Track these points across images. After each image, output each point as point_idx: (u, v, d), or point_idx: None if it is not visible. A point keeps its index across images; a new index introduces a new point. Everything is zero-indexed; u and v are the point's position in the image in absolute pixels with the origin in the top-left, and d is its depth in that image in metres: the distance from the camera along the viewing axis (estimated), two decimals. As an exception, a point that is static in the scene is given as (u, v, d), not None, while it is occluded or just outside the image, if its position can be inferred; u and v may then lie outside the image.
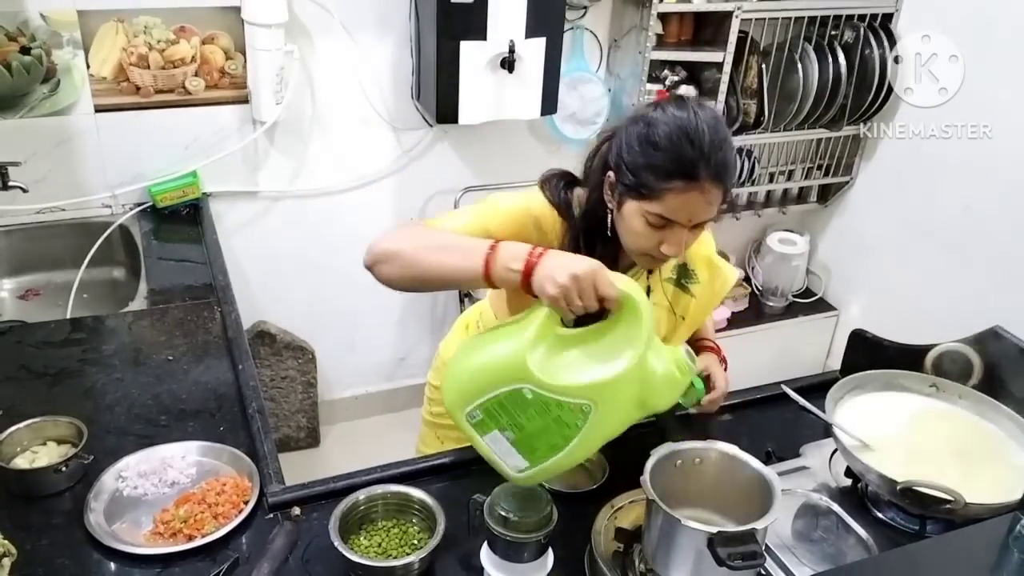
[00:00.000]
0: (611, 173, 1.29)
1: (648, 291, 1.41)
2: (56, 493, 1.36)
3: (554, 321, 1.15)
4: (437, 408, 1.71)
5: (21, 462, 1.40)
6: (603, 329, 1.15)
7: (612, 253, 1.34)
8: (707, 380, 1.45)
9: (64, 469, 1.36)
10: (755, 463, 1.21)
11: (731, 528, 1.11)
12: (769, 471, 1.19)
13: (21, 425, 1.43)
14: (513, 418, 1.14)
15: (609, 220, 1.32)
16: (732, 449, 1.24)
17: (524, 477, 1.17)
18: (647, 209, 1.24)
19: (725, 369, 1.51)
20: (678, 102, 1.25)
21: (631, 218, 1.27)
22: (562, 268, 1.10)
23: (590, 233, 1.34)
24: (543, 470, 1.16)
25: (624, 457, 1.44)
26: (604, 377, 1.11)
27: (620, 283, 1.12)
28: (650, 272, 1.44)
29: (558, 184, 1.38)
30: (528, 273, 1.13)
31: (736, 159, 1.26)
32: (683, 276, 1.48)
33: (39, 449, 1.43)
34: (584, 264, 1.11)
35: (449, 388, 1.19)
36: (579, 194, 1.38)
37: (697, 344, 1.55)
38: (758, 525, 1.09)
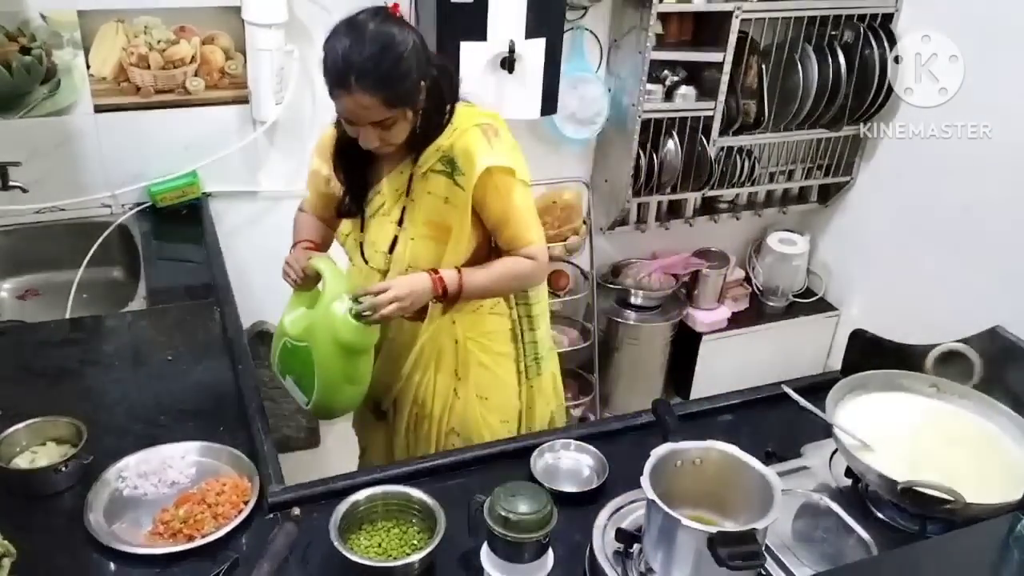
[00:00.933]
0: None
1: (410, 180, 1.60)
2: (56, 493, 1.37)
3: (304, 291, 1.68)
4: None
5: (21, 462, 1.40)
6: (316, 293, 1.63)
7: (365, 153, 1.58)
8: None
9: (64, 469, 1.36)
10: (755, 463, 1.21)
11: (731, 528, 1.11)
12: (769, 471, 1.19)
13: (21, 425, 1.43)
14: (288, 365, 1.66)
15: None
16: (732, 449, 1.24)
17: (310, 408, 1.63)
18: (336, 111, 1.51)
19: (445, 296, 1.58)
20: (347, 22, 1.48)
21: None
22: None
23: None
24: (315, 403, 1.61)
25: (624, 457, 1.44)
26: (306, 323, 1.59)
27: (315, 259, 1.62)
28: (415, 165, 1.59)
29: None
30: None
31: (401, 68, 1.44)
32: (452, 169, 1.57)
33: (39, 449, 1.43)
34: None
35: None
36: None
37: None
38: (758, 525, 1.09)
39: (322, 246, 1.78)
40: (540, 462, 1.48)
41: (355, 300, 1.53)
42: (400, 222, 1.62)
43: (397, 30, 1.46)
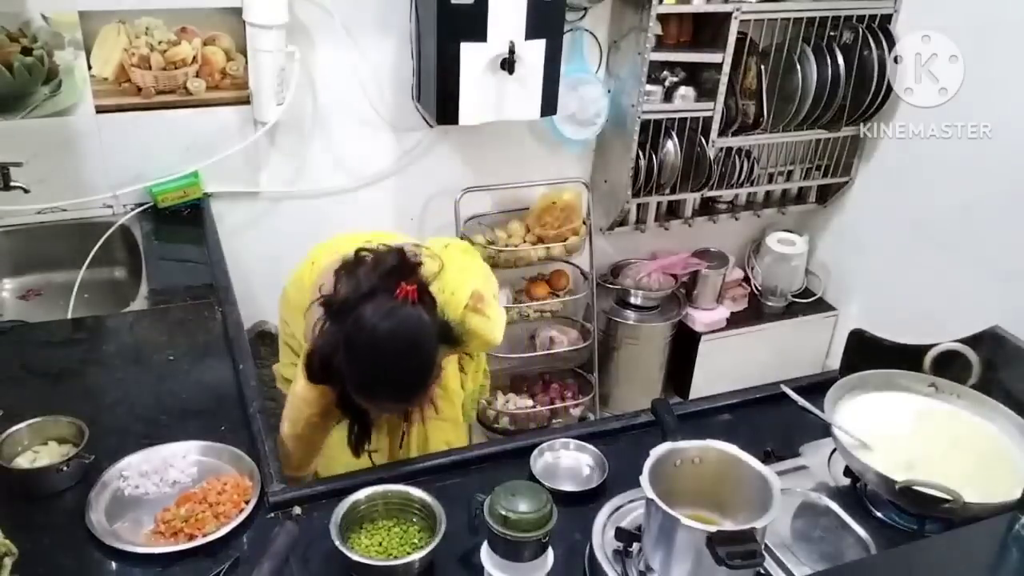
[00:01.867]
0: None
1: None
2: (57, 493, 1.37)
3: None
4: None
5: (22, 462, 1.40)
6: None
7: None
8: None
9: (65, 469, 1.37)
10: (754, 463, 1.22)
11: (730, 527, 1.12)
12: (768, 471, 1.19)
13: (22, 425, 1.43)
14: None
15: None
16: (731, 448, 1.25)
17: None
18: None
19: None
20: (386, 312, 1.36)
21: None
22: None
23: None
24: None
25: (624, 457, 1.44)
26: None
27: None
28: None
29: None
30: None
31: (426, 366, 1.42)
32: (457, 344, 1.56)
33: (40, 449, 1.43)
34: None
35: None
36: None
37: None
38: (757, 524, 1.09)
39: None
40: (540, 461, 1.49)
41: None
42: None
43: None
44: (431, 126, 2.57)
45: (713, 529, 1.08)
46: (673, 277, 2.96)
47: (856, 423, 1.44)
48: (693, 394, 3.01)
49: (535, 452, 1.49)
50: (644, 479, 1.16)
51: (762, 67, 2.62)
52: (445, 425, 1.79)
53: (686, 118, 2.63)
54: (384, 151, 2.61)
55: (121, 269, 2.25)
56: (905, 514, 1.38)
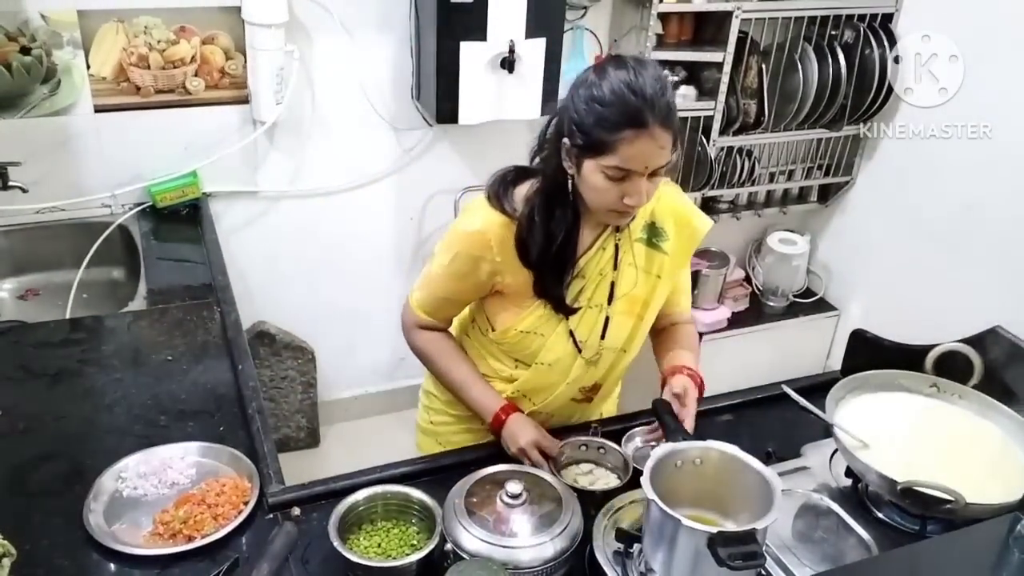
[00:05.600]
0: (566, 140, 1.33)
1: (617, 252, 1.46)
2: (56, 493, 1.36)
3: None
4: (437, 417, 1.71)
5: None
6: None
7: (573, 220, 1.40)
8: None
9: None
10: (755, 463, 1.21)
11: (731, 528, 1.11)
12: (769, 471, 1.19)
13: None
14: None
15: (570, 186, 1.37)
16: (732, 449, 1.24)
17: None
18: (604, 164, 1.28)
19: (701, 395, 1.49)
20: (616, 60, 1.31)
21: (591, 176, 1.31)
22: (511, 440, 1.47)
23: (550, 204, 1.39)
24: None
25: (624, 457, 1.44)
26: None
27: None
28: (619, 234, 1.46)
29: (502, 189, 1.45)
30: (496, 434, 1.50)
31: (675, 101, 1.32)
32: (653, 235, 1.49)
33: None
34: (523, 440, 1.45)
35: None
36: (525, 189, 1.44)
37: (675, 370, 1.52)
38: (758, 525, 1.09)
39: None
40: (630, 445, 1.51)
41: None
42: (609, 301, 1.48)
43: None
44: (431, 125, 2.57)
45: (714, 530, 1.08)
46: (673, 277, 2.95)
47: (857, 423, 1.44)
48: (693, 394, 3.00)
49: (624, 436, 1.51)
50: (645, 480, 1.15)
51: (763, 66, 2.62)
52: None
53: (687, 117, 2.63)
54: (383, 150, 2.60)
55: (119, 269, 2.25)
56: (907, 515, 1.38)
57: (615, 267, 1.47)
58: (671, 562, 1.15)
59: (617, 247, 1.46)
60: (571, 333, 1.48)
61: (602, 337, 1.51)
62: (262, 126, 2.35)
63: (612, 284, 1.47)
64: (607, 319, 1.49)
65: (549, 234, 1.38)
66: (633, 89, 1.25)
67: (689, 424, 1.40)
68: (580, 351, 1.51)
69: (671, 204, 1.50)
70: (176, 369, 1.70)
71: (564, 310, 1.46)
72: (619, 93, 1.25)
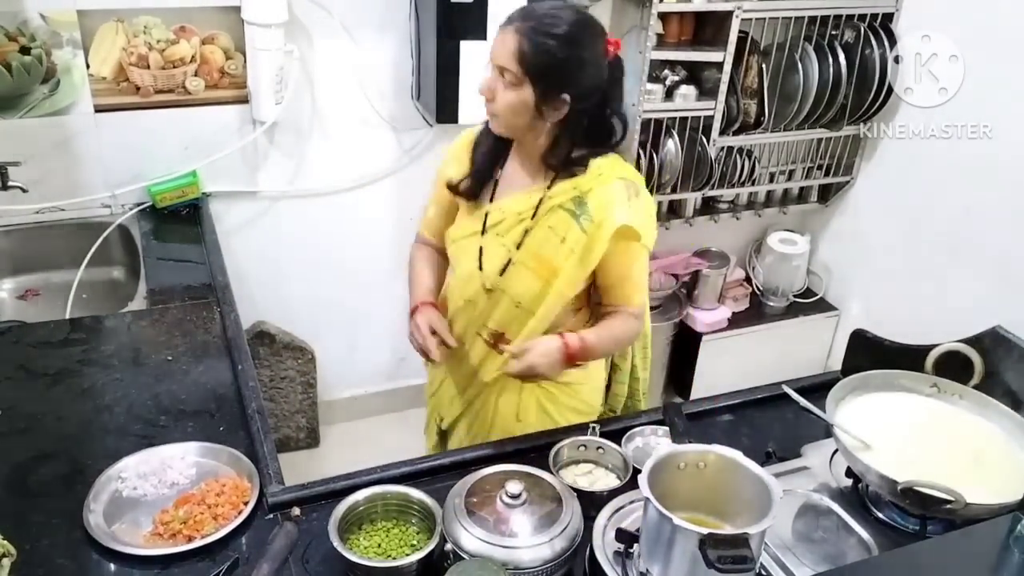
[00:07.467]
0: None
1: (540, 205, 1.55)
2: (56, 493, 1.36)
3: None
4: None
5: None
6: None
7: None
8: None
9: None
10: (755, 468, 1.21)
11: (724, 531, 1.11)
12: (770, 477, 1.18)
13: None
14: None
15: None
16: (732, 454, 1.24)
17: None
18: None
19: (570, 362, 1.53)
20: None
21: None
22: (413, 324, 1.65)
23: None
24: None
25: (624, 457, 1.43)
26: None
27: None
28: (549, 191, 1.55)
29: None
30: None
31: (561, 50, 1.43)
32: (577, 207, 1.52)
33: None
34: (419, 318, 1.64)
35: None
36: None
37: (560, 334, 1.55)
38: (751, 530, 1.08)
39: (439, 291, 1.75)
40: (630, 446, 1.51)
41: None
42: (518, 246, 1.57)
43: (591, 30, 1.46)
44: (431, 125, 2.57)
45: (705, 531, 1.08)
46: (674, 277, 2.95)
47: (858, 423, 1.44)
48: (694, 394, 3.01)
49: (626, 436, 1.51)
50: (643, 479, 1.15)
51: (763, 66, 2.62)
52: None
53: (687, 117, 2.63)
54: (383, 150, 2.60)
55: (119, 269, 2.25)
56: (907, 515, 1.38)
57: (533, 217, 1.55)
58: (667, 563, 1.15)
59: (542, 201, 1.54)
60: (480, 253, 1.60)
61: (500, 274, 1.59)
62: (262, 126, 2.35)
63: (525, 232, 1.56)
64: (509, 260, 1.57)
65: (488, 135, 1.59)
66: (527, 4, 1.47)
67: (512, 364, 1.50)
68: (481, 267, 1.60)
69: (605, 194, 1.51)
70: (176, 369, 1.70)
71: (482, 224, 1.59)
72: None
